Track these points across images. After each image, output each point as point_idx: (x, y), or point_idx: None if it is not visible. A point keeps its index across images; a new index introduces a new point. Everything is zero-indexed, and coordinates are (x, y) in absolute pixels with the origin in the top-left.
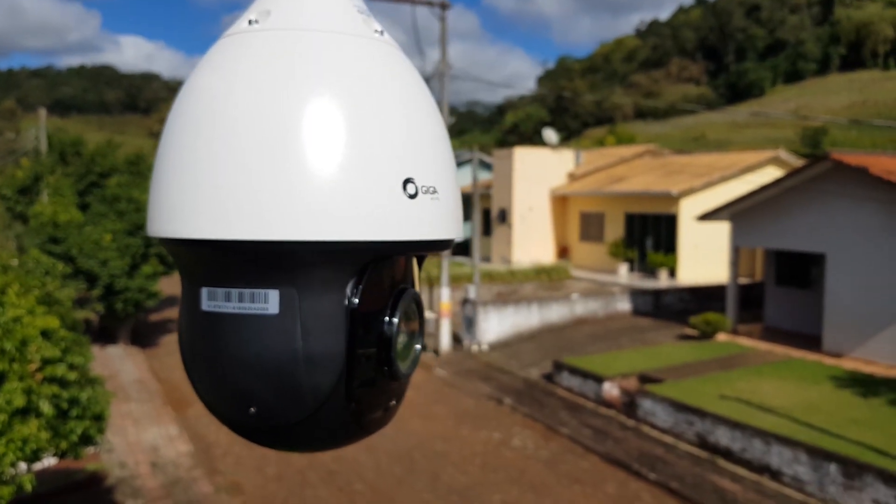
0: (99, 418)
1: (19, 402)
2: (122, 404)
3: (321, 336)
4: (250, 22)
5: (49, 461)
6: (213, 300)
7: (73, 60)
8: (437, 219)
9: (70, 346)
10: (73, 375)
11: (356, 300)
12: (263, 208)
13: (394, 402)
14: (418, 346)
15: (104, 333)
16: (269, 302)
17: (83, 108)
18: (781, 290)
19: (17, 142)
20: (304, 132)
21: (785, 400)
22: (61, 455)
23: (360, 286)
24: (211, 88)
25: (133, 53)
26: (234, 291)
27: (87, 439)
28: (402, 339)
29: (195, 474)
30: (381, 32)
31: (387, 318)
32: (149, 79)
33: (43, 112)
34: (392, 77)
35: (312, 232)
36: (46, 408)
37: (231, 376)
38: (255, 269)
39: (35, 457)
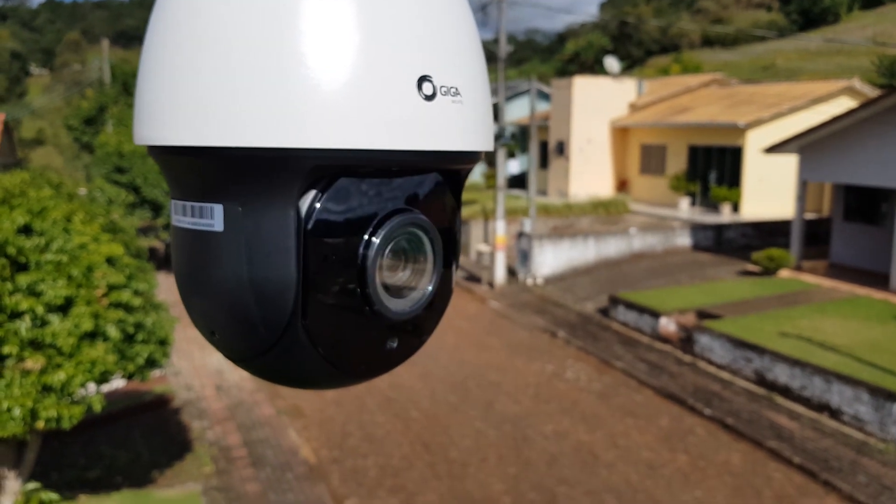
0: (164, 342)
1: (87, 325)
2: (188, 329)
3: (269, 260)
4: None
5: (117, 383)
6: (176, 214)
7: None
8: (460, 125)
9: (135, 272)
10: (138, 301)
11: (317, 218)
12: (208, 106)
13: (394, 344)
14: (429, 288)
15: (169, 262)
16: (215, 218)
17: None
18: (849, 226)
19: (82, 73)
20: (279, 10)
21: (848, 338)
22: (129, 377)
23: (320, 202)
24: None
25: None
26: (188, 205)
27: (152, 363)
28: (401, 276)
29: (258, 398)
30: None
31: (364, 240)
32: None
33: (106, 43)
34: None
35: (260, 137)
36: (113, 332)
37: (193, 297)
38: (198, 180)
39: (103, 378)
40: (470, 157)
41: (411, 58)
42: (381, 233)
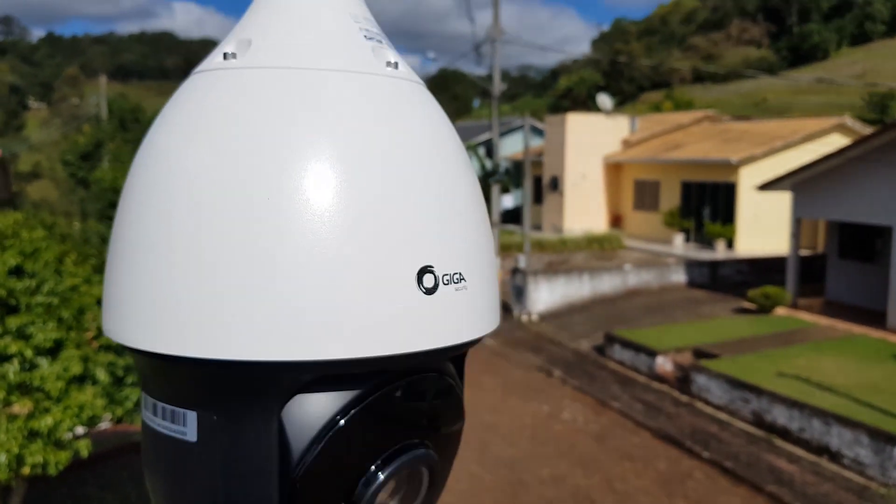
0: None
1: (76, 369)
2: None
3: (247, 482)
4: (225, 56)
5: (105, 424)
6: (146, 409)
7: (132, 27)
8: (466, 315)
9: None
10: None
11: (307, 463)
12: (183, 312)
13: None
14: None
15: None
16: (188, 426)
17: (143, 73)
18: (844, 264)
19: (80, 107)
20: (274, 207)
21: (846, 378)
22: (117, 421)
23: (310, 443)
24: (168, 147)
25: (185, 19)
26: (159, 405)
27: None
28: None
29: None
30: (396, 65)
31: (365, 476)
32: (206, 45)
33: (103, 79)
34: (406, 130)
35: (243, 349)
36: (102, 375)
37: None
38: (170, 385)
39: (91, 423)
40: (470, 344)
41: (410, 248)
42: (385, 472)
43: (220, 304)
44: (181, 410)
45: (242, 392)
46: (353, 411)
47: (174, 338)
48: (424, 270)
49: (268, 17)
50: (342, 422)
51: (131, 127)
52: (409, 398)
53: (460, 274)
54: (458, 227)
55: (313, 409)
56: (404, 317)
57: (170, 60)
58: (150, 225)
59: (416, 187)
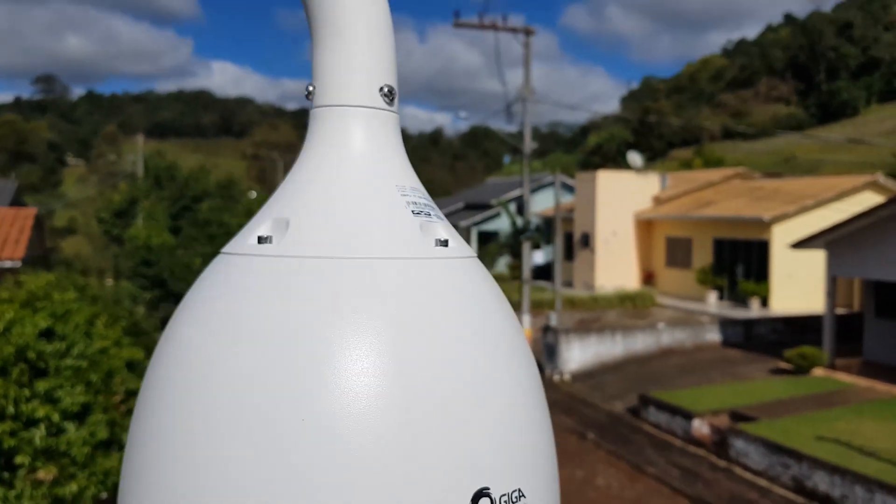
0: None
1: (102, 434)
2: None
3: None
4: (260, 239)
5: None
6: None
7: (170, 85)
8: None
9: None
10: None
11: None
12: None
13: None
14: None
15: None
16: None
17: (180, 131)
18: (882, 322)
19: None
20: (312, 426)
21: (889, 443)
22: None
23: None
24: (193, 344)
25: (223, 77)
26: None
27: None
28: None
29: None
30: (446, 242)
31: None
32: (242, 103)
33: (140, 138)
34: (459, 322)
35: None
36: None
37: None
38: None
39: (116, 490)
40: None
41: (465, 469)
42: None
43: None
44: None
45: None
46: None
47: None
48: (480, 494)
49: (306, 190)
50: None
51: (167, 185)
52: None
53: (519, 491)
54: (518, 436)
55: None
56: None
57: (206, 118)
58: (168, 431)
59: (471, 393)
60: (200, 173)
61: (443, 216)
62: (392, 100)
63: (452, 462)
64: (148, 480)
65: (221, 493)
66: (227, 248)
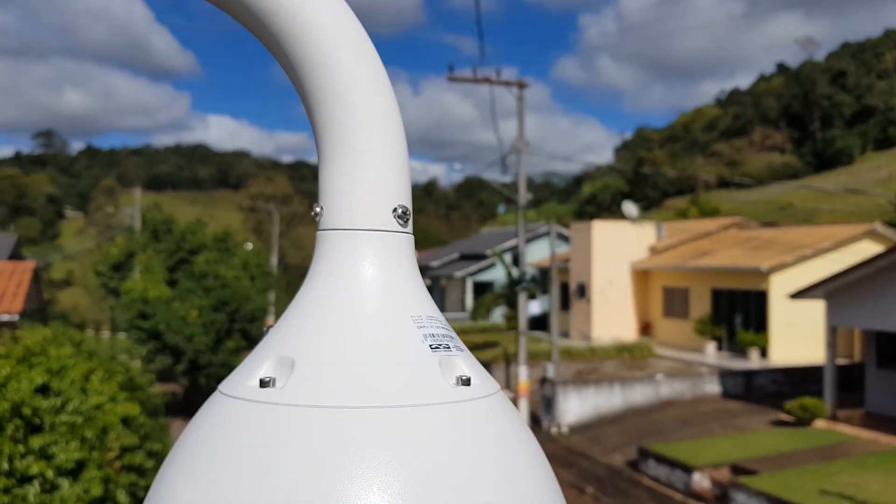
0: None
1: (97, 491)
2: None
3: None
4: (263, 382)
5: None
6: None
7: (167, 139)
8: None
9: (150, 432)
10: (151, 463)
11: None
12: None
13: None
14: None
15: (188, 407)
16: None
17: (178, 184)
18: (884, 374)
19: (114, 217)
20: None
21: (893, 497)
22: None
23: None
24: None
25: (220, 131)
26: None
27: None
28: None
29: None
30: (468, 381)
31: None
32: (239, 156)
33: (138, 191)
34: (486, 471)
35: None
36: (123, 497)
37: None
38: None
39: None
40: None
41: None
42: None
43: None
44: None
45: None
46: None
47: None
48: None
49: (312, 325)
50: None
51: (163, 238)
52: None
53: None
54: None
55: None
56: None
57: (203, 171)
58: None
59: None
60: (197, 226)
61: (463, 346)
62: (406, 221)
63: None
64: None
65: None
66: (225, 387)
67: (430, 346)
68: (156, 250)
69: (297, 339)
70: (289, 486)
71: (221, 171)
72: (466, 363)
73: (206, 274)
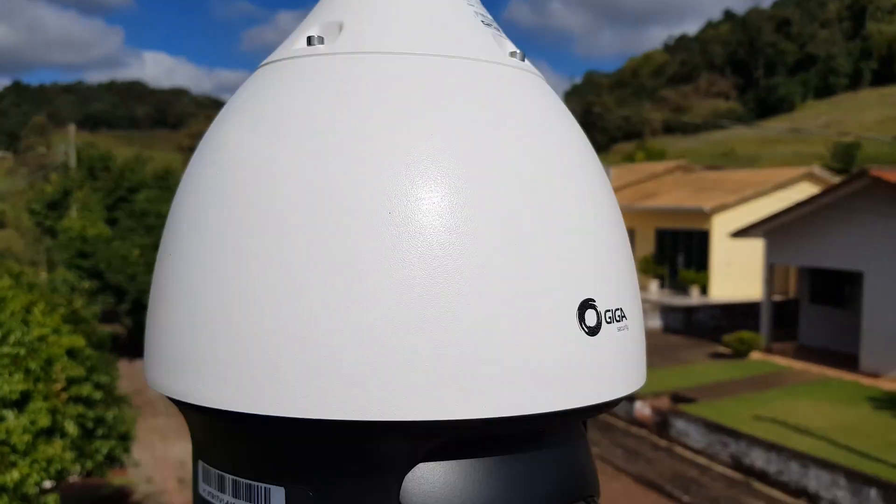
0: (125, 437)
1: (44, 422)
2: (150, 418)
3: None
4: (311, 40)
5: (73, 477)
6: (207, 483)
7: (101, 76)
8: (627, 362)
9: (96, 364)
10: (98, 395)
11: None
12: (284, 364)
13: None
14: None
15: (133, 346)
16: (272, 503)
17: (113, 123)
18: (816, 309)
19: (47, 157)
20: (400, 221)
21: (822, 421)
22: (87, 475)
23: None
24: (243, 150)
25: (156, 68)
26: (228, 479)
27: (112, 459)
28: None
29: None
30: (522, 56)
31: None
32: (177, 94)
33: (72, 128)
34: (544, 130)
35: (363, 408)
36: (71, 428)
37: None
38: (252, 453)
39: (60, 477)
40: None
41: (568, 277)
42: None
43: (330, 349)
44: (262, 485)
45: (351, 460)
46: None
47: (261, 394)
48: (586, 305)
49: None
50: None
51: (101, 176)
52: (554, 468)
53: (622, 310)
54: (612, 252)
55: (436, 483)
56: (565, 364)
57: (140, 110)
58: (225, 245)
59: (567, 201)
60: (136, 163)
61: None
62: None
63: (555, 271)
64: (197, 312)
65: (296, 312)
66: (267, 59)
67: (482, 22)
68: (93, 189)
69: (342, 10)
70: (338, 127)
71: (159, 110)
72: (515, 47)
73: (147, 212)
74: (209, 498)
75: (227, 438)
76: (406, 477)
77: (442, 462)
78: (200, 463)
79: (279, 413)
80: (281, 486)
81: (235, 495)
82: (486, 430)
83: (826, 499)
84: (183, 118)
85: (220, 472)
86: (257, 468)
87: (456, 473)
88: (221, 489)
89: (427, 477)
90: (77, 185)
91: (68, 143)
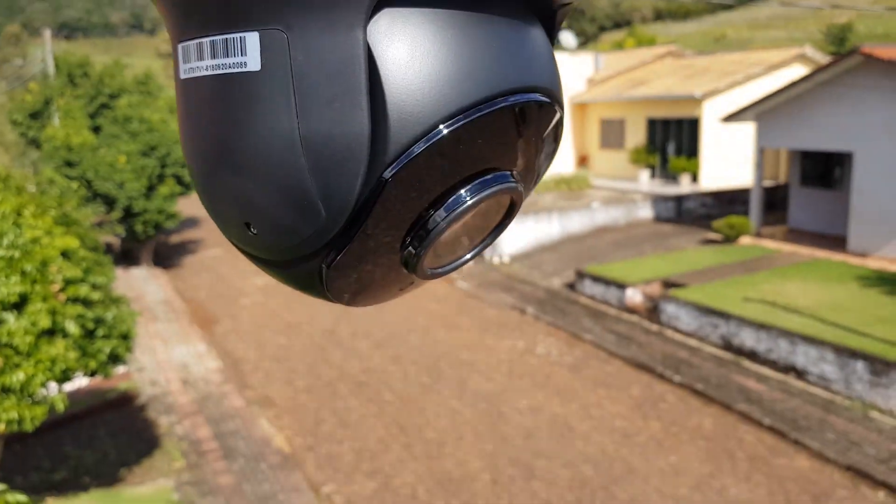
0: (126, 337)
1: (45, 322)
2: (150, 324)
3: (331, 108)
4: None
5: (80, 382)
6: (187, 61)
7: None
8: None
9: (91, 266)
10: (96, 295)
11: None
12: None
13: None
14: (467, 256)
15: (126, 256)
16: (248, 52)
17: (88, 30)
18: (806, 192)
19: (24, 67)
20: None
21: (810, 301)
22: (91, 374)
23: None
24: None
25: None
26: (206, 42)
27: (115, 358)
28: (448, 239)
29: (225, 389)
30: None
31: (450, 199)
32: None
33: (48, 34)
34: None
35: None
36: (72, 328)
37: (217, 175)
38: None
39: (65, 377)
40: None
41: None
42: (474, 197)
43: None
44: (236, 35)
45: None
46: (458, 124)
47: None
48: None
49: None
50: (445, 131)
51: (80, 83)
52: (520, 122)
53: None
54: None
55: (401, 35)
56: None
57: (115, 16)
58: None
59: None
60: (115, 69)
61: None
62: None
63: None
64: None
65: None
66: None
67: None
68: (74, 96)
69: None
70: None
71: (135, 16)
72: None
73: (130, 118)
74: (192, 74)
75: None
76: (373, 19)
77: (407, 9)
78: (179, 46)
79: None
80: (254, 30)
81: (214, 56)
82: None
83: (814, 373)
84: (159, 23)
85: (198, 40)
86: (230, 17)
87: (420, 26)
88: (200, 57)
89: (394, 26)
90: (57, 93)
91: (45, 51)
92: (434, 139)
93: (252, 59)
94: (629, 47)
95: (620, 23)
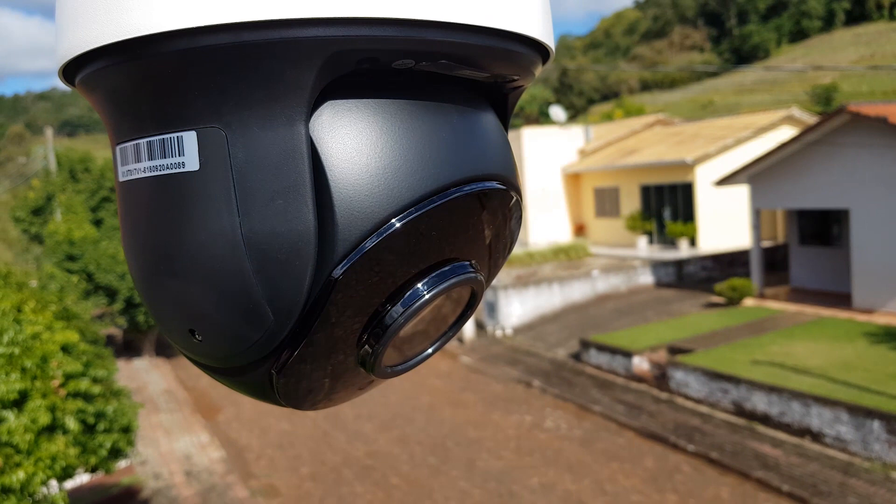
0: (127, 430)
1: (44, 419)
2: (152, 415)
3: (272, 206)
4: None
5: (81, 478)
6: (125, 163)
7: None
8: None
9: (92, 359)
10: (97, 389)
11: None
12: None
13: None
14: (429, 350)
15: (129, 347)
16: (186, 152)
17: (90, 126)
18: (806, 250)
19: (27, 165)
20: None
21: (820, 360)
22: (92, 470)
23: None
24: None
25: None
26: (143, 142)
27: (116, 452)
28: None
29: (230, 480)
30: None
31: (408, 292)
32: None
33: (50, 132)
34: None
35: (257, 7)
36: (72, 423)
37: (158, 279)
38: (154, 98)
39: (66, 474)
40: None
41: None
42: (433, 291)
43: None
44: (173, 135)
45: (254, 84)
46: (411, 216)
47: (159, 7)
48: None
49: None
50: (398, 225)
51: (82, 177)
52: (476, 211)
53: None
54: None
55: (346, 125)
56: None
57: None
58: None
59: None
60: None
61: None
62: None
63: None
64: None
65: None
66: None
67: None
68: (75, 191)
69: None
70: None
71: None
72: None
73: None
74: (130, 177)
75: (131, 93)
76: (316, 112)
77: (351, 101)
78: (117, 149)
79: (192, 23)
80: (191, 129)
81: (151, 157)
82: (402, 48)
83: (829, 435)
84: None
85: (135, 141)
86: (167, 117)
87: (366, 118)
88: (138, 159)
89: (338, 119)
90: (59, 189)
91: (47, 148)
92: (385, 233)
93: (190, 159)
94: (618, 118)
95: (608, 95)
